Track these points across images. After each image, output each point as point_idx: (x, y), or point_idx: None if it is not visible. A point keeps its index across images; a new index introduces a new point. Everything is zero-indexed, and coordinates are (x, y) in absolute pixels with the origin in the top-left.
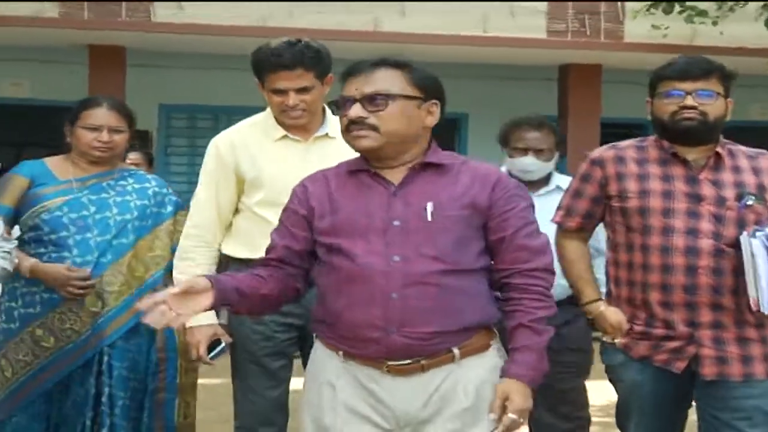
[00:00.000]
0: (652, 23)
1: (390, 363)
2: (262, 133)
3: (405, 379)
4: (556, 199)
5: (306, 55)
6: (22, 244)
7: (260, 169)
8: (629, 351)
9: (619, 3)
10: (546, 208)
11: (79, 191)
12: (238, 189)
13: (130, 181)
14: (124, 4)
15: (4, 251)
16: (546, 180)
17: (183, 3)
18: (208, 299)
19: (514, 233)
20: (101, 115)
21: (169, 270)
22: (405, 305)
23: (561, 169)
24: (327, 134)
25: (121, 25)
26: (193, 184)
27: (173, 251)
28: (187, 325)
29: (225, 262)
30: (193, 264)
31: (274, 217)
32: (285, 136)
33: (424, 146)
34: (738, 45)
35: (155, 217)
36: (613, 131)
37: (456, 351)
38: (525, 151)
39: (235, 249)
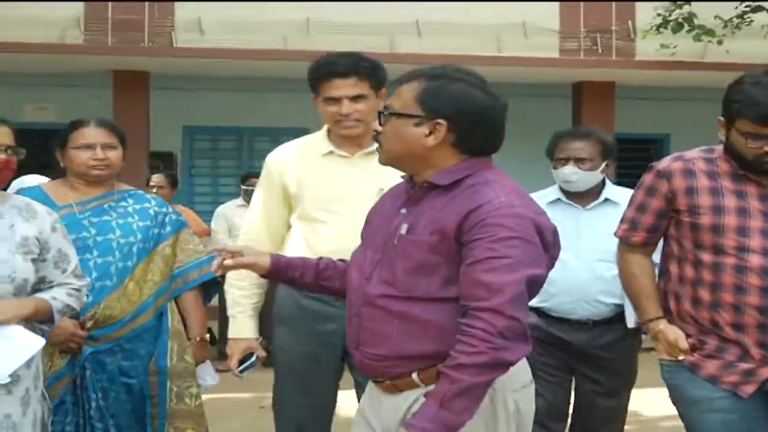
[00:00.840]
0: (660, 42)
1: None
2: (311, 148)
3: (387, 395)
4: (607, 212)
5: (360, 65)
6: None
7: (302, 184)
8: (697, 370)
9: (630, 21)
10: (596, 223)
11: (80, 213)
12: (287, 204)
13: (130, 201)
14: (146, 30)
15: (73, 288)
16: (597, 193)
17: (204, 28)
18: (266, 262)
19: (471, 264)
20: (92, 133)
21: (159, 296)
22: (360, 324)
23: None
24: (375, 150)
25: (143, 51)
26: (216, 204)
27: (174, 277)
28: (228, 336)
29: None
30: (241, 277)
31: (309, 231)
32: (331, 152)
33: (442, 165)
34: (747, 62)
35: (156, 238)
36: (627, 146)
37: (415, 377)
38: (566, 161)
39: None
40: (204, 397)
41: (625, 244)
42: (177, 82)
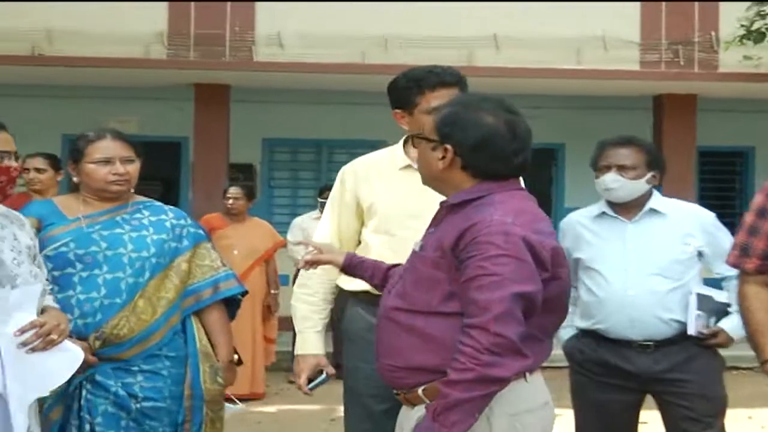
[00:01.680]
0: (743, 54)
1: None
2: (387, 161)
3: (408, 408)
4: (654, 224)
5: (461, 77)
6: None
7: (376, 197)
8: None
9: (712, 32)
10: (644, 236)
11: (89, 227)
12: (359, 217)
13: (146, 213)
14: (227, 44)
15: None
16: (643, 204)
17: (284, 43)
18: (341, 259)
19: (465, 282)
20: (110, 146)
21: (171, 314)
22: (379, 335)
23: None
24: None
25: (224, 65)
26: (295, 216)
27: (185, 295)
28: (296, 352)
29: (344, 297)
30: (310, 291)
31: (383, 246)
32: (408, 166)
33: (460, 187)
34: None
35: (173, 252)
36: (711, 160)
37: (420, 391)
38: (608, 169)
39: (355, 283)
40: (274, 408)
41: (740, 272)
42: (257, 95)
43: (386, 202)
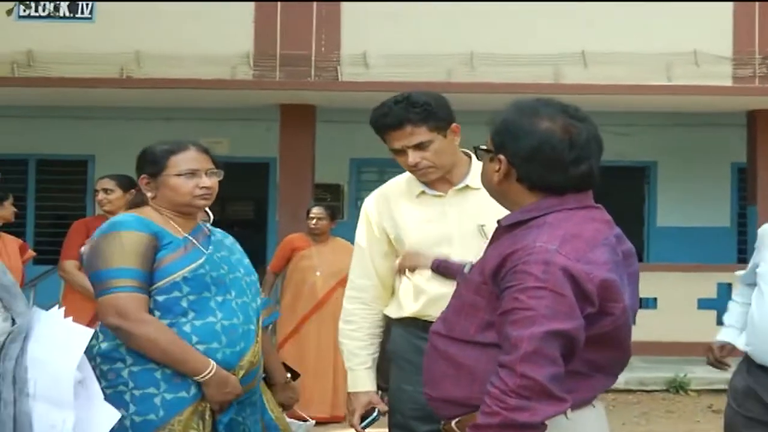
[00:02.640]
0: None
1: None
2: (405, 189)
3: None
4: None
5: (411, 112)
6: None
7: (400, 227)
8: None
9: None
10: None
11: (209, 249)
12: (390, 247)
13: (218, 235)
14: (313, 65)
15: None
16: None
17: (369, 62)
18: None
19: (501, 315)
20: (196, 158)
21: None
22: (424, 361)
23: (751, 217)
24: (467, 185)
25: (310, 86)
26: None
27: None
28: (348, 389)
29: (393, 325)
30: (354, 327)
31: (417, 275)
32: (423, 192)
33: (520, 203)
34: None
35: None
36: None
37: (453, 423)
38: None
39: (396, 310)
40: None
41: None
42: (343, 115)
43: (411, 232)
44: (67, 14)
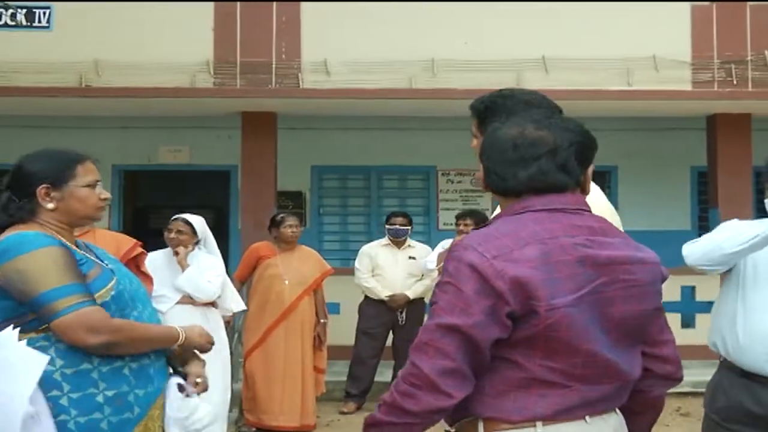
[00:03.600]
0: None
1: None
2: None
3: None
4: None
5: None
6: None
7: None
8: None
9: (766, 50)
10: None
11: (106, 263)
12: None
13: (89, 247)
14: (273, 72)
15: None
16: None
17: (330, 70)
18: None
19: None
20: (94, 169)
21: None
22: None
23: (713, 220)
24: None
25: (271, 93)
26: (345, 242)
27: None
28: None
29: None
30: None
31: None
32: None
33: (503, 208)
34: None
35: None
36: None
37: (454, 427)
38: None
39: None
40: None
41: None
42: (305, 122)
43: None
44: (24, 23)
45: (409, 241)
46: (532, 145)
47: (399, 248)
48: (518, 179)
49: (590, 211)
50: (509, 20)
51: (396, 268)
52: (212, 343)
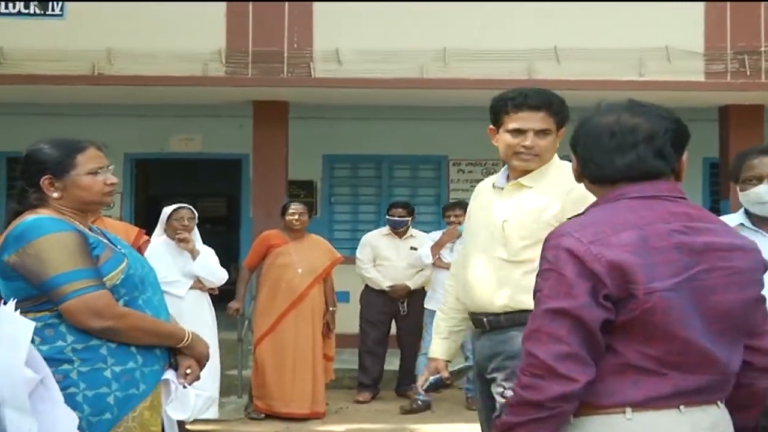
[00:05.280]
0: None
1: None
2: (492, 180)
3: None
4: None
5: (553, 101)
6: None
7: (469, 216)
8: None
9: None
10: None
11: (118, 247)
12: None
13: (101, 232)
14: (285, 61)
15: None
16: None
17: (341, 59)
18: None
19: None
20: (98, 155)
21: None
22: None
23: (725, 211)
24: (520, 182)
25: (283, 82)
26: (355, 231)
27: None
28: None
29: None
30: (444, 301)
31: (470, 264)
32: (493, 184)
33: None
34: None
35: None
36: None
37: None
38: (759, 179)
39: None
40: (333, 427)
41: None
42: (316, 111)
43: (469, 221)
44: (38, 11)
45: (411, 231)
46: (630, 132)
47: (400, 238)
48: (615, 167)
49: (686, 198)
50: (521, 10)
51: (397, 258)
52: (208, 359)
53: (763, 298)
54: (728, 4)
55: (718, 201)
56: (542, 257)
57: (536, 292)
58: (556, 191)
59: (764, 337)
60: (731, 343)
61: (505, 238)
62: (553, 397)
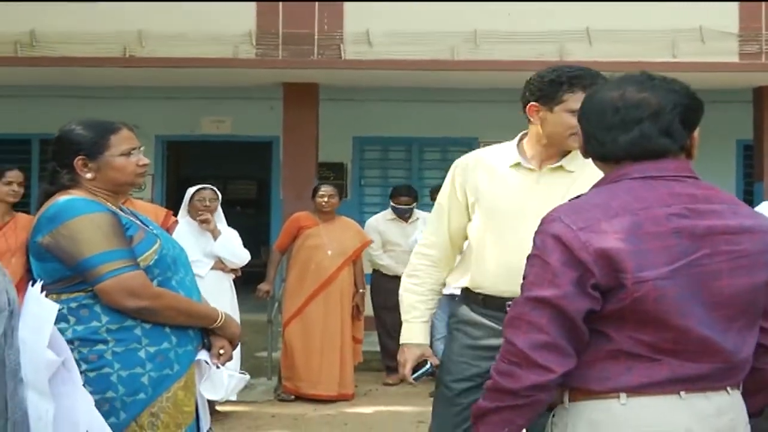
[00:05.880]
0: None
1: None
2: (500, 157)
3: None
4: None
5: (598, 80)
6: None
7: (481, 193)
8: None
9: None
10: None
11: (150, 228)
12: (467, 213)
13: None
14: (315, 43)
15: None
16: None
17: (372, 41)
18: None
19: None
20: (130, 136)
21: None
22: None
23: (758, 194)
24: (561, 166)
25: (313, 64)
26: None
27: None
28: (401, 341)
29: (458, 294)
30: (418, 282)
31: (483, 243)
32: (518, 164)
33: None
34: None
35: None
36: None
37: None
38: None
39: (462, 280)
40: (362, 409)
41: None
42: (346, 93)
43: (490, 199)
44: None
45: (416, 213)
46: (635, 108)
47: (407, 222)
48: (618, 144)
49: (695, 177)
50: None
51: (405, 243)
52: (239, 340)
53: None
54: None
55: (752, 183)
56: (533, 241)
57: (524, 278)
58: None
59: None
60: (741, 329)
61: None
62: (528, 386)
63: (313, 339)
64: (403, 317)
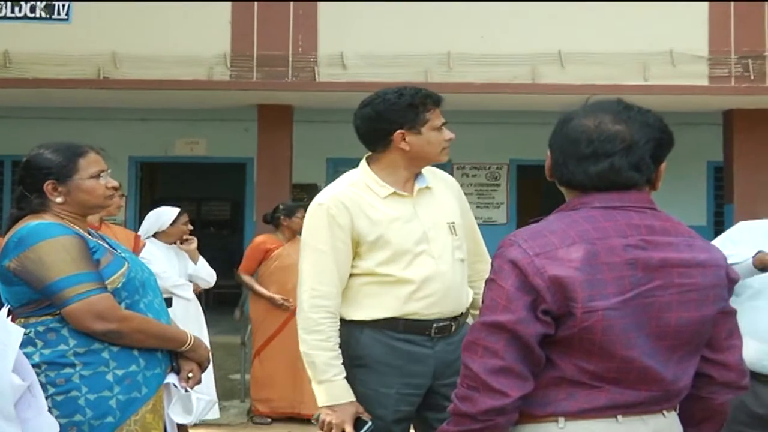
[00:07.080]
0: None
1: None
2: (367, 191)
3: None
4: None
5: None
6: None
7: (380, 229)
8: None
9: None
10: None
11: (118, 251)
12: (354, 250)
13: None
14: (290, 65)
15: None
16: None
17: (346, 63)
18: None
19: None
20: (98, 159)
21: None
22: None
23: (728, 215)
24: (427, 186)
25: (287, 86)
26: None
27: None
28: (327, 402)
29: (360, 328)
30: (324, 337)
31: (398, 272)
32: (394, 193)
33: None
34: None
35: None
36: None
37: None
38: None
39: (369, 312)
40: None
41: None
42: (320, 115)
43: (394, 232)
44: (44, 15)
45: None
46: (608, 141)
47: None
48: (587, 174)
49: (654, 209)
50: (525, 14)
51: None
52: (209, 363)
53: (731, 312)
54: (732, 6)
55: (722, 205)
56: (491, 264)
57: (483, 302)
58: (443, 185)
59: (727, 351)
60: (683, 358)
61: (460, 239)
62: (485, 410)
63: (295, 358)
64: (318, 378)
